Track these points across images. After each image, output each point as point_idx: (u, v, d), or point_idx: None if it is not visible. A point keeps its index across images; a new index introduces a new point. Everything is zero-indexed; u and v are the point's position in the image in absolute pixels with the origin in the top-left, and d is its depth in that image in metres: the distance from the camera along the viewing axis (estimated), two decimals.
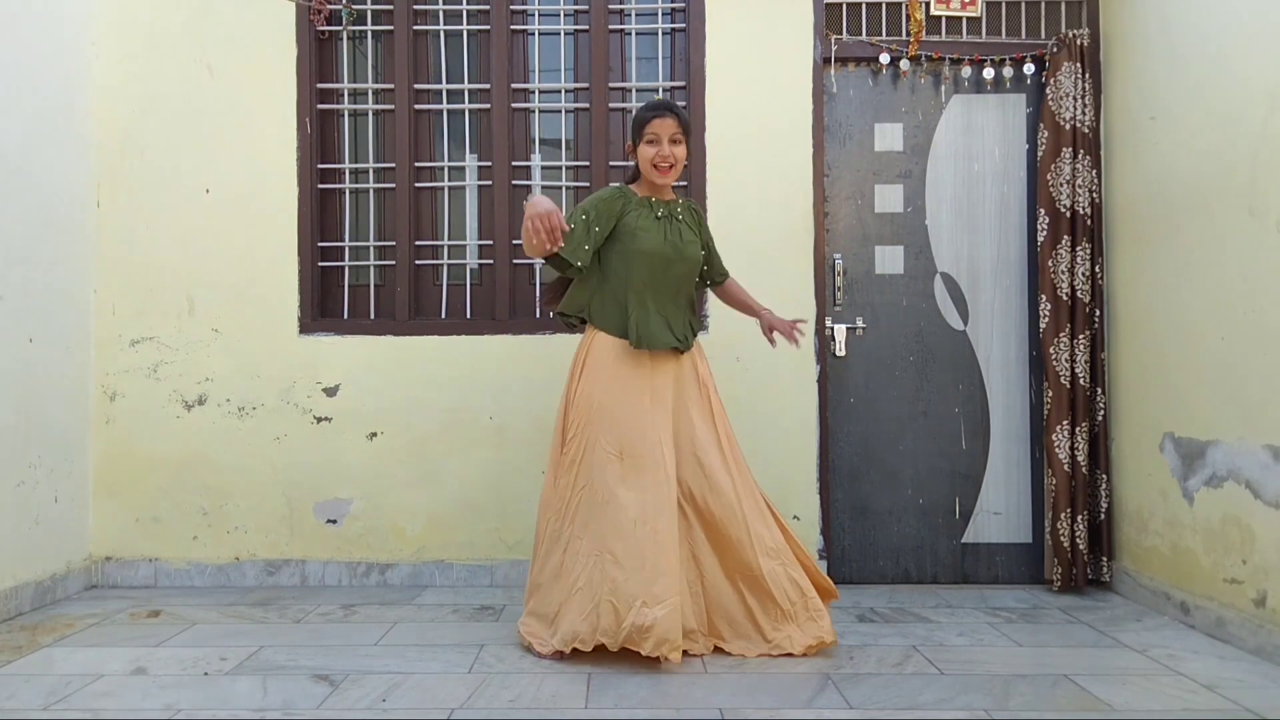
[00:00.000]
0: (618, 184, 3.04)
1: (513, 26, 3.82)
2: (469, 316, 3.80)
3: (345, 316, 3.81)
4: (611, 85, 3.80)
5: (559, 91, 3.85)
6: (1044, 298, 3.61)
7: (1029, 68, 3.73)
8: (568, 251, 2.71)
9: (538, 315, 3.78)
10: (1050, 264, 3.60)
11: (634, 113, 2.98)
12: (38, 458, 3.37)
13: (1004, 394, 3.78)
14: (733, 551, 2.78)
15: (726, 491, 2.79)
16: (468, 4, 3.83)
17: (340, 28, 3.80)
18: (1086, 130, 3.60)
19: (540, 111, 3.85)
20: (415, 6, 3.81)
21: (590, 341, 2.86)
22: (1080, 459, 3.56)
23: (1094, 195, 3.62)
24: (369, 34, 3.87)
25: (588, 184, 3.79)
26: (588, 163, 3.79)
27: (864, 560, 3.76)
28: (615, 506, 2.68)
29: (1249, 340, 2.88)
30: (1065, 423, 3.57)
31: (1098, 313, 3.62)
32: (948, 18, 3.80)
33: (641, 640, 2.57)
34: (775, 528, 2.85)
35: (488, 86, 3.80)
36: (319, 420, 3.70)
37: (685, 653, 2.71)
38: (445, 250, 3.84)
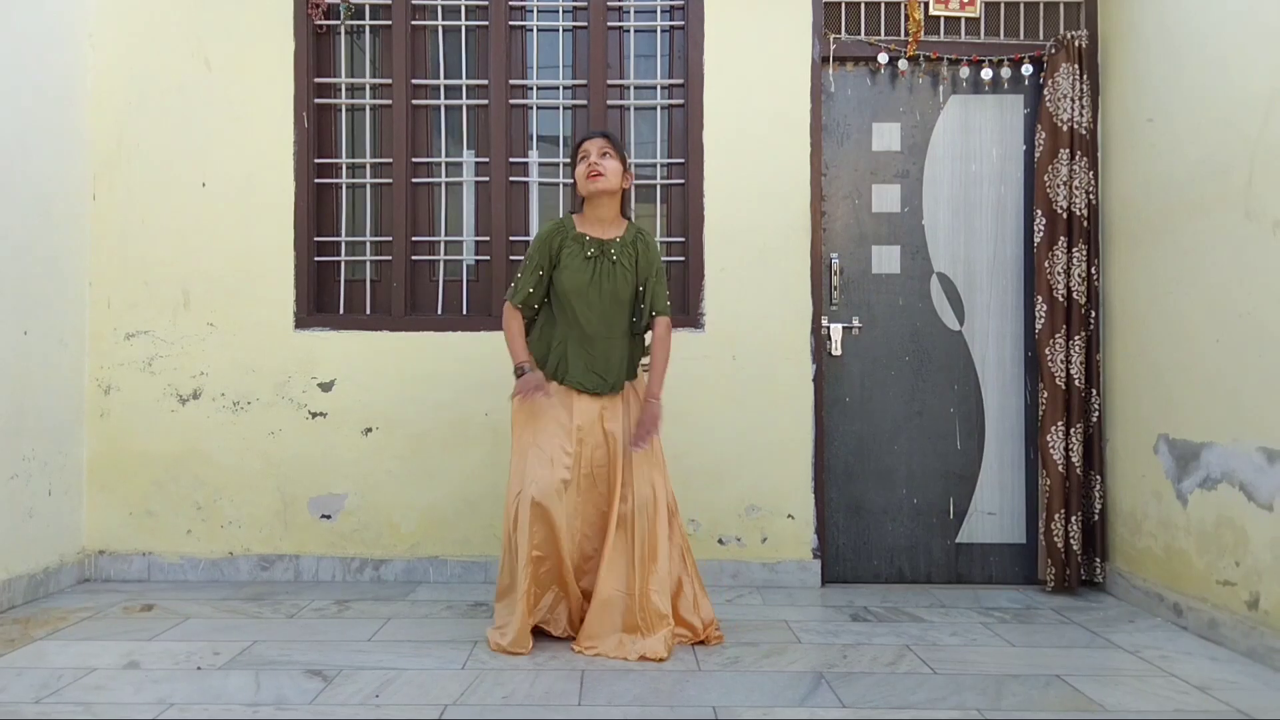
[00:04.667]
0: (558, 218, 3.07)
1: (511, 22, 3.81)
2: (465, 312, 3.80)
3: (341, 311, 3.81)
4: (610, 82, 3.79)
5: (557, 88, 3.85)
6: (1040, 299, 3.62)
7: (1027, 69, 3.73)
8: (520, 300, 2.93)
9: None
10: (1046, 265, 3.61)
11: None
12: (31, 451, 3.36)
13: (999, 394, 3.78)
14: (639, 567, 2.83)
15: (649, 511, 2.86)
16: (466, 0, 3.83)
17: (338, 22, 3.79)
18: (1084, 132, 3.61)
19: (538, 108, 3.84)
20: (414, 1, 3.80)
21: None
22: (1075, 460, 3.57)
23: (1091, 197, 3.62)
24: (367, 28, 3.86)
25: None
26: None
27: (858, 559, 3.77)
28: (527, 505, 2.81)
29: (1244, 342, 2.88)
30: (1060, 424, 3.57)
31: (1093, 314, 3.62)
32: (946, 18, 3.80)
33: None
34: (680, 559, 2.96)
35: (486, 83, 3.79)
36: (314, 415, 3.69)
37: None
38: (442, 246, 3.83)
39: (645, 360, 3.06)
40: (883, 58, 3.74)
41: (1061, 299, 3.59)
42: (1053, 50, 3.66)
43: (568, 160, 3.81)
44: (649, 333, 3.01)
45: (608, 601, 2.82)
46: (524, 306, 2.95)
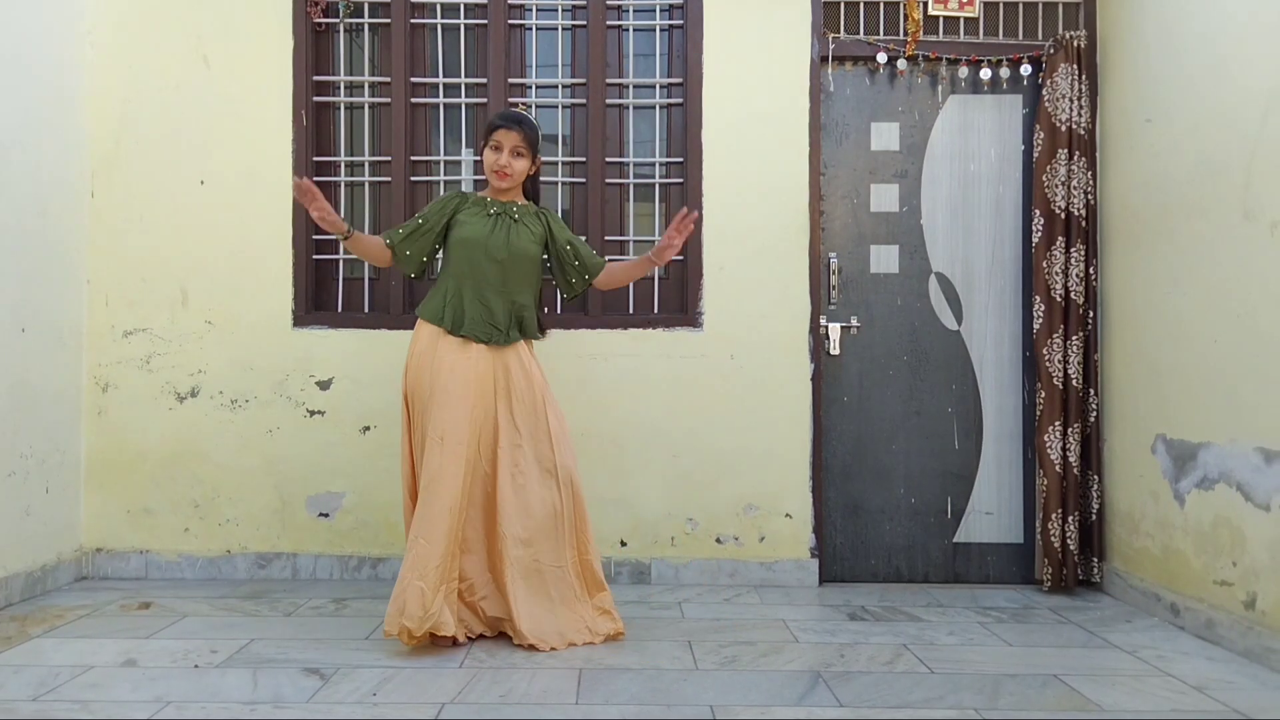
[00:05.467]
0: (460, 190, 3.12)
1: (510, 21, 3.81)
2: None
3: (339, 310, 3.80)
4: (609, 81, 3.79)
5: (556, 87, 3.85)
6: (1038, 299, 3.62)
7: (1026, 69, 3.73)
8: (393, 239, 2.97)
9: None
10: (1044, 265, 3.61)
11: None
12: (29, 448, 3.35)
13: (997, 394, 3.78)
14: (543, 542, 2.87)
15: (542, 489, 2.87)
16: None
17: (337, 20, 3.79)
18: (1082, 132, 3.61)
19: (537, 107, 3.84)
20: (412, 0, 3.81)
21: (417, 333, 2.95)
22: (1072, 460, 3.57)
23: (1089, 197, 3.62)
24: (366, 26, 3.86)
25: (583, 180, 3.78)
26: (584, 158, 3.79)
27: (855, 559, 3.77)
28: (433, 492, 2.77)
29: (1241, 343, 2.89)
30: (1057, 423, 3.58)
31: (1091, 314, 3.63)
32: (945, 18, 3.80)
33: (443, 620, 2.72)
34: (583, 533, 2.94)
35: (485, 81, 3.79)
36: (312, 413, 3.69)
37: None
38: None
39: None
40: (881, 57, 3.74)
41: (1059, 299, 3.60)
42: (1051, 50, 3.66)
43: (566, 160, 3.83)
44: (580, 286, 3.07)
45: (535, 577, 2.83)
46: (392, 242, 2.96)
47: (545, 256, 3.04)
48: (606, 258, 3.11)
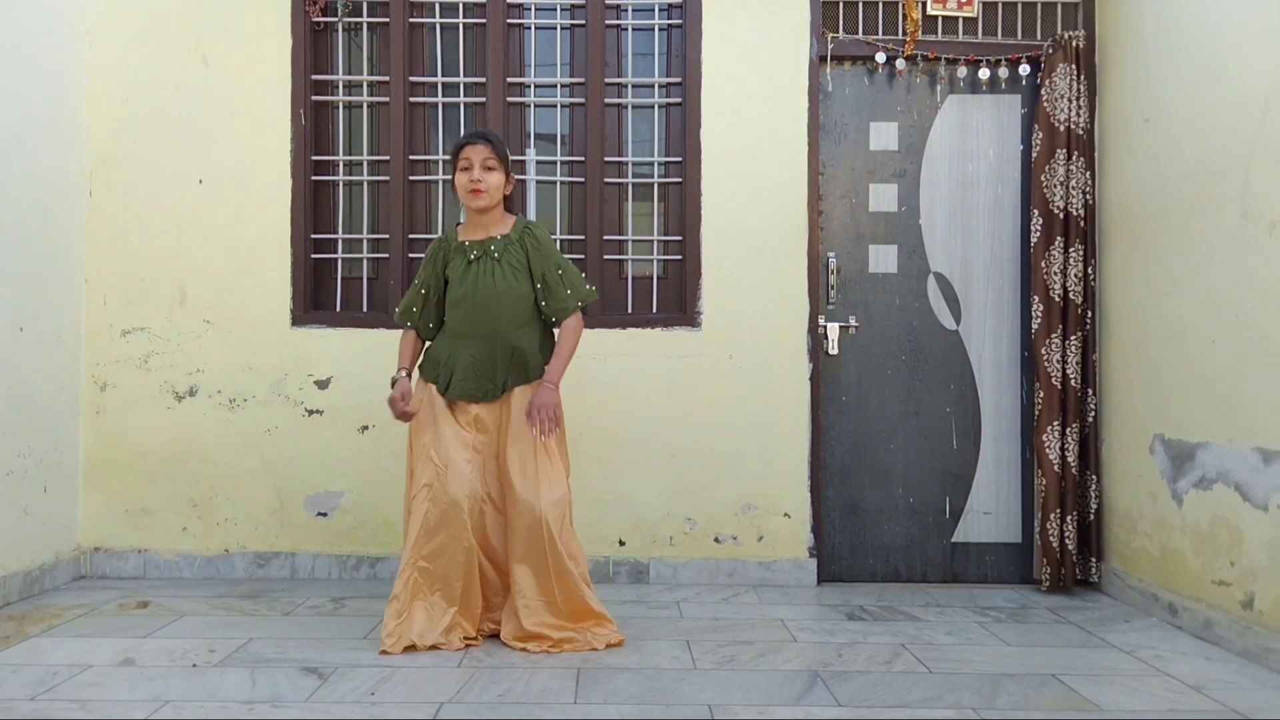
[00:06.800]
0: (442, 234, 3.06)
1: (509, 20, 3.81)
2: None
3: (338, 309, 3.80)
4: (608, 81, 3.79)
5: (555, 86, 3.85)
6: (1036, 299, 3.62)
7: (1024, 69, 3.73)
8: (413, 320, 2.97)
9: None
10: (1043, 265, 3.61)
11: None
12: (27, 447, 3.35)
13: (995, 394, 3.78)
14: (541, 567, 2.81)
15: (535, 519, 2.79)
16: None
17: (336, 19, 3.79)
18: (1081, 132, 3.61)
19: (536, 106, 3.84)
20: None
21: (419, 385, 2.95)
22: (1070, 460, 3.57)
23: (1087, 197, 3.62)
24: (364, 26, 3.85)
25: (582, 179, 3.78)
26: (583, 158, 3.79)
27: (854, 558, 3.77)
28: (437, 522, 2.80)
29: (1240, 343, 2.89)
30: (1056, 423, 3.58)
31: (1090, 314, 3.63)
32: (944, 18, 3.80)
33: (449, 639, 2.78)
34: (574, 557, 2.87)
35: (483, 80, 3.79)
36: (310, 413, 3.69)
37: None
38: None
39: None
40: (880, 57, 3.74)
41: (1058, 299, 3.60)
42: (1050, 50, 3.66)
43: (565, 159, 3.82)
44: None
45: (530, 604, 2.82)
46: (413, 324, 2.97)
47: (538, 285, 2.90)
48: (591, 288, 2.98)
